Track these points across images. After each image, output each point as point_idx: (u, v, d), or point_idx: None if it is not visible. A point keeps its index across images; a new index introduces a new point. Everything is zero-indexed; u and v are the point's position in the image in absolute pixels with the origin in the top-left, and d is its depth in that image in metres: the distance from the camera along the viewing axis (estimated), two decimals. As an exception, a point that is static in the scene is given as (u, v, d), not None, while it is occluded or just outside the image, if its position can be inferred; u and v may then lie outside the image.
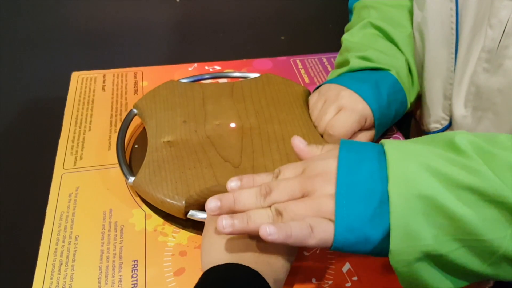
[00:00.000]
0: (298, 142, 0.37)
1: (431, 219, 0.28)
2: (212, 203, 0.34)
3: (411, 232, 0.29)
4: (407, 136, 0.56)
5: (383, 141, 0.33)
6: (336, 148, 0.34)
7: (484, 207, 0.28)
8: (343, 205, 0.30)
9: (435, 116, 0.54)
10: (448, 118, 0.53)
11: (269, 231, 0.30)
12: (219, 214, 0.33)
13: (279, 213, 0.32)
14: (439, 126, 0.55)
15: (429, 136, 0.33)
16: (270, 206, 0.33)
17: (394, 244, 0.29)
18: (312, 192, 0.32)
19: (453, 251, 0.29)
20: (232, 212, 0.33)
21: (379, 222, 0.29)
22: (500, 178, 0.28)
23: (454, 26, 0.48)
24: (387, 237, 0.29)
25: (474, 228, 0.28)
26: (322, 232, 0.30)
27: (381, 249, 0.30)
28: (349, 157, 0.32)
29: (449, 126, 0.54)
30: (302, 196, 0.32)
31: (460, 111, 0.50)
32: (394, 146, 0.31)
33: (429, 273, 0.30)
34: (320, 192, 0.31)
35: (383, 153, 0.31)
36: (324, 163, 0.33)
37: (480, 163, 0.28)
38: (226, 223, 0.32)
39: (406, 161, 0.30)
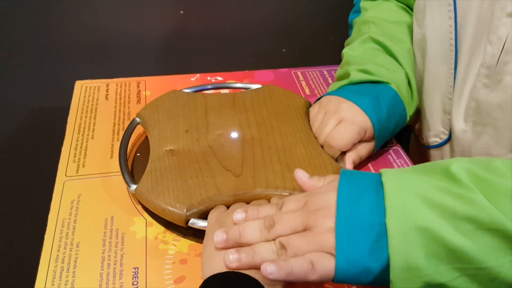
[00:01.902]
0: (300, 175, 0.38)
1: (430, 250, 0.29)
2: (219, 237, 0.35)
3: (411, 264, 0.29)
4: (407, 150, 0.57)
5: (381, 171, 0.34)
6: (336, 179, 0.35)
7: (481, 236, 0.28)
8: (343, 238, 0.31)
9: (434, 130, 0.55)
10: (447, 132, 0.54)
11: (269, 271, 0.32)
12: (225, 247, 0.35)
13: (282, 247, 0.33)
14: (439, 140, 0.56)
15: (426, 164, 0.34)
16: (274, 239, 0.34)
17: (394, 275, 0.30)
18: (313, 226, 0.33)
19: (453, 280, 0.30)
20: (238, 245, 0.35)
21: (378, 254, 0.30)
22: (496, 206, 0.28)
23: (453, 42, 0.49)
24: (387, 268, 0.30)
25: (473, 257, 0.29)
26: (323, 267, 0.31)
27: (383, 279, 0.31)
28: (348, 191, 0.33)
29: (448, 140, 0.54)
30: (304, 230, 0.33)
31: (460, 125, 0.51)
32: (391, 177, 0.32)
33: None
34: (321, 227, 0.32)
35: (380, 183, 0.32)
36: (324, 197, 0.34)
37: (475, 192, 0.29)
38: (232, 257, 0.34)
39: (403, 192, 0.31)
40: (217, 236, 0.35)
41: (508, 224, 0.28)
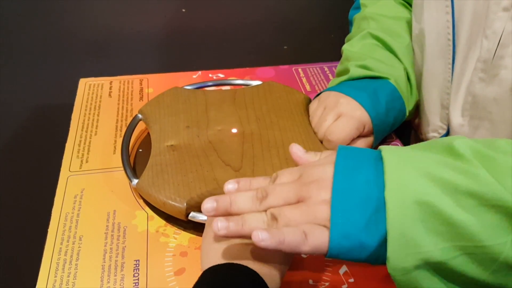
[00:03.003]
0: (296, 150, 0.37)
1: (430, 226, 0.28)
2: (208, 204, 0.34)
3: (409, 239, 0.28)
4: (406, 145, 0.57)
5: (381, 147, 0.33)
6: (333, 154, 0.34)
7: (483, 212, 0.27)
8: (338, 211, 0.30)
9: (433, 125, 0.55)
10: (445, 127, 0.54)
11: (261, 237, 0.30)
12: (215, 215, 0.34)
13: (274, 218, 0.32)
14: (437, 135, 0.56)
15: (427, 141, 0.33)
16: (265, 211, 0.33)
17: (391, 251, 0.28)
18: (307, 198, 0.32)
19: (453, 259, 0.28)
20: (227, 214, 0.34)
21: (375, 229, 0.29)
22: (499, 182, 0.27)
23: (450, 37, 0.49)
24: (383, 244, 0.29)
25: (474, 234, 0.27)
26: (316, 238, 0.30)
27: (378, 256, 0.30)
28: (346, 164, 0.32)
29: (446, 135, 0.55)
30: (298, 202, 0.32)
31: (457, 120, 0.51)
32: (391, 152, 0.31)
33: (428, 281, 0.29)
34: (315, 199, 0.31)
35: (380, 159, 0.31)
36: (320, 169, 0.33)
37: (479, 167, 0.28)
38: (221, 225, 0.32)
39: (403, 167, 0.29)
40: (206, 203, 0.34)
41: (511, 202, 0.26)
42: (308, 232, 0.30)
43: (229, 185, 0.36)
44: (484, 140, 0.30)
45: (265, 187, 0.34)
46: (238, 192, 0.35)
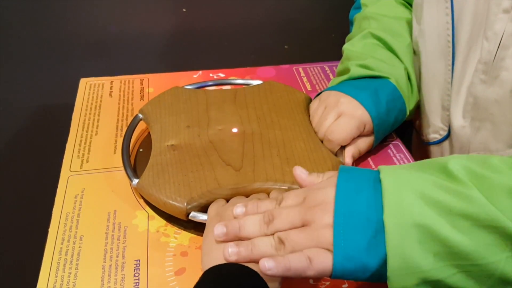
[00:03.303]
0: (299, 172, 0.38)
1: (427, 247, 0.29)
2: (219, 230, 0.36)
3: (408, 260, 0.30)
4: (408, 147, 0.57)
5: (380, 167, 0.34)
6: (335, 175, 0.35)
7: (478, 233, 0.29)
8: (341, 234, 0.31)
9: (434, 127, 0.55)
10: (446, 128, 0.54)
11: (268, 266, 0.32)
12: (225, 241, 0.36)
13: (281, 242, 0.33)
14: (438, 137, 0.56)
15: (424, 161, 0.34)
16: (273, 234, 0.34)
17: (391, 271, 0.30)
18: (312, 222, 0.33)
19: (450, 276, 0.30)
20: (237, 238, 0.35)
21: (376, 250, 0.31)
22: (492, 203, 0.28)
23: (450, 38, 0.49)
24: (384, 264, 0.30)
25: (469, 254, 0.29)
26: (321, 263, 0.32)
27: (380, 275, 0.31)
28: (347, 187, 0.33)
29: (448, 136, 0.55)
30: (303, 225, 0.33)
31: (458, 121, 0.51)
32: (389, 174, 0.33)
33: None
34: (319, 223, 0.32)
35: (379, 181, 0.32)
36: (323, 193, 0.34)
37: (472, 189, 0.29)
38: (231, 251, 0.34)
39: (401, 189, 0.31)
40: (217, 229, 0.36)
41: (504, 221, 0.28)
42: (312, 257, 0.32)
43: (238, 209, 0.37)
44: (478, 158, 0.32)
45: (272, 211, 0.35)
46: (246, 215, 0.36)
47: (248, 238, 0.35)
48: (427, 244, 0.29)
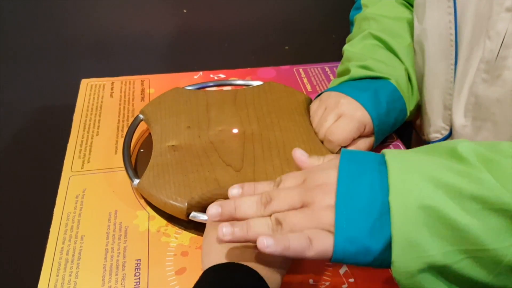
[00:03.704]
0: (299, 154, 0.37)
1: (434, 230, 0.28)
2: (213, 209, 0.34)
3: (414, 243, 0.28)
4: (408, 147, 0.57)
5: (384, 151, 0.33)
6: (337, 158, 0.34)
7: (487, 216, 0.27)
8: (343, 215, 0.30)
9: (435, 126, 0.55)
10: (448, 128, 0.54)
11: (266, 243, 0.30)
12: (220, 221, 0.34)
13: (278, 223, 0.32)
14: (439, 136, 0.56)
15: (431, 145, 0.33)
16: (270, 215, 0.33)
17: (396, 255, 0.29)
18: (311, 203, 0.32)
19: (457, 262, 0.28)
20: (232, 219, 0.34)
21: (380, 233, 0.29)
22: (503, 186, 0.27)
23: (453, 38, 0.49)
24: (388, 248, 0.29)
25: (478, 238, 0.27)
26: (321, 243, 0.30)
27: (382, 260, 0.30)
28: (350, 168, 0.32)
29: (449, 136, 0.55)
30: (302, 206, 0.32)
31: (460, 121, 0.51)
32: (395, 156, 0.31)
33: (432, 285, 0.30)
34: (319, 204, 0.31)
35: (384, 163, 0.31)
36: (324, 174, 0.33)
37: (483, 171, 0.28)
38: (226, 230, 0.32)
39: (407, 171, 0.30)
40: (211, 209, 0.34)
41: None
42: (312, 237, 0.31)
43: (234, 190, 0.36)
44: (487, 143, 0.31)
45: (269, 192, 0.34)
46: (243, 197, 0.35)
47: (244, 219, 0.33)
48: (435, 227, 0.28)
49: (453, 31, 0.49)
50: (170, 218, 0.45)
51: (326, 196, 0.31)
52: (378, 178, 0.30)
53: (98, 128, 0.57)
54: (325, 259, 0.31)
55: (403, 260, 0.29)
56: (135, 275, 0.40)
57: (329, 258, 0.31)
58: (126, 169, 0.49)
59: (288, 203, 0.33)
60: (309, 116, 0.55)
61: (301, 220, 0.31)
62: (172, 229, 0.45)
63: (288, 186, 0.34)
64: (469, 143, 0.30)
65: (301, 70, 0.70)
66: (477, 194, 0.27)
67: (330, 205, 0.31)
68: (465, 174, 0.28)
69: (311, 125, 0.53)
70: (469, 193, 0.28)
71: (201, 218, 0.43)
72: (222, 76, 0.68)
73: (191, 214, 0.43)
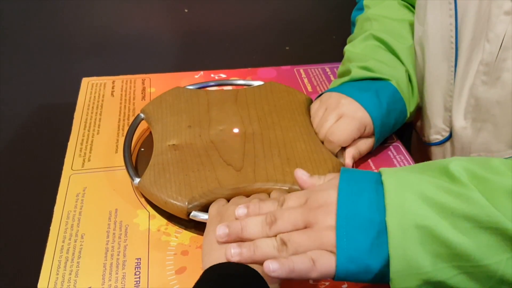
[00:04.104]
0: (301, 174, 0.38)
1: (428, 248, 0.30)
2: (220, 230, 0.36)
3: (410, 261, 0.30)
4: (408, 148, 0.57)
5: (381, 169, 0.34)
6: (336, 177, 0.35)
7: (479, 234, 0.29)
8: (343, 236, 0.31)
9: (435, 128, 0.55)
10: (448, 129, 0.54)
11: (272, 268, 0.32)
12: (227, 242, 0.36)
13: (283, 243, 0.33)
14: (440, 138, 0.56)
15: (425, 163, 0.35)
16: (275, 235, 0.34)
17: (394, 272, 0.30)
18: (314, 223, 0.33)
19: (451, 278, 0.30)
20: (239, 239, 0.35)
21: (378, 251, 0.31)
22: (493, 204, 0.29)
23: (453, 40, 0.49)
24: (387, 265, 0.30)
25: (471, 255, 0.29)
26: (324, 264, 0.32)
27: (382, 276, 0.31)
28: (349, 188, 0.33)
29: (449, 137, 0.55)
30: (305, 227, 0.34)
31: (460, 122, 0.51)
32: (390, 175, 0.33)
33: None
34: (321, 224, 0.33)
35: (380, 182, 0.33)
36: (325, 194, 0.34)
37: (473, 191, 0.29)
38: (234, 252, 0.34)
39: (402, 191, 0.31)
40: (219, 230, 0.36)
41: (505, 223, 0.28)
42: (316, 258, 0.32)
43: (239, 210, 0.37)
44: (479, 160, 0.32)
45: (274, 212, 0.35)
46: (248, 217, 0.36)
47: (250, 239, 0.35)
48: (429, 245, 0.30)
49: (453, 33, 0.49)
50: (171, 217, 0.45)
51: (328, 216, 0.33)
52: (375, 198, 0.32)
53: (98, 127, 0.57)
54: (328, 278, 0.33)
55: (401, 277, 0.30)
56: (135, 274, 0.40)
57: (332, 277, 0.32)
58: (126, 168, 0.49)
59: (292, 223, 0.34)
60: (310, 116, 0.55)
61: (305, 240, 0.33)
62: (173, 228, 0.45)
63: (291, 205, 0.36)
64: (461, 161, 0.32)
65: (301, 71, 0.70)
66: (468, 213, 0.29)
67: (331, 226, 0.32)
68: (457, 193, 0.30)
69: (312, 125, 0.53)
70: (461, 213, 0.29)
71: (202, 217, 0.43)
72: (223, 75, 0.68)
73: (192, 214, 0.43)
